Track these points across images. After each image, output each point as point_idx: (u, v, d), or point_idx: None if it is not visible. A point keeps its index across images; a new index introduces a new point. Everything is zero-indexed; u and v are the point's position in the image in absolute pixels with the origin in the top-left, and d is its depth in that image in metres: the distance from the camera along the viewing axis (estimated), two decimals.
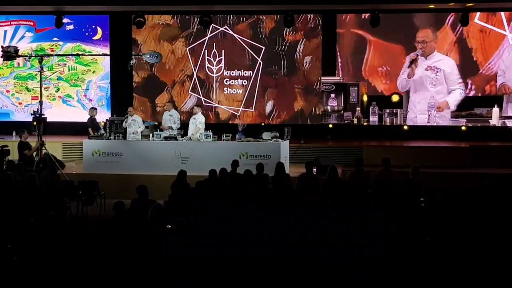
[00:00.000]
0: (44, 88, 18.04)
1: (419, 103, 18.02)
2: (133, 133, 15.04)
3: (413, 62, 17.93)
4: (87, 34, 19.29)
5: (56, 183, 12.36)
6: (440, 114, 17.83)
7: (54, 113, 18.43)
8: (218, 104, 18.68)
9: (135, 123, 15.22)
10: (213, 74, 18.69)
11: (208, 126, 15.62)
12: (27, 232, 8.39)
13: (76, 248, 7.38)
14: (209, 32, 18.48)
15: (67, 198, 11.82)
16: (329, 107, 18.39)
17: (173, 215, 9.37)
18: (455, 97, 17.90)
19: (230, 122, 18.36)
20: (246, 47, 18.55)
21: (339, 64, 18.45)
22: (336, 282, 6.90)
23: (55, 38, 19.37)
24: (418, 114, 18.02)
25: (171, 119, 15.86)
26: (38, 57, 15.80)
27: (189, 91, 18.74)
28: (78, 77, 19.46)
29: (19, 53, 15.92)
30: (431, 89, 17.96)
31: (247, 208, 9.68)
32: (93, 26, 19.26)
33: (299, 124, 18.07)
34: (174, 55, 18.87)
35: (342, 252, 7.13)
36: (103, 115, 18.34)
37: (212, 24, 18.07)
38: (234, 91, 18.69)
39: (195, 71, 18.75)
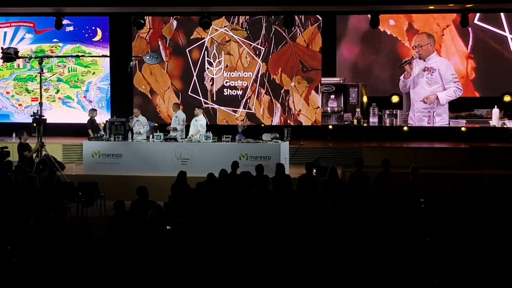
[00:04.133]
0: (44, 90, 18.03)
1: (416, 101, 18.29)
2: (136, 133, 15.27)
3: (405, 63, 18.19)
4: (87, 35, 19.31)
5: (56, 184, 12.34)
6: (437, 115, 17.96)
7: (54, 115, 18.45)
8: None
9: (139, 124, 15.50)
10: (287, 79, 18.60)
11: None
12: (27, 233, 8.37)
13: (76, 249, 7.37)
14: (272, 34, 18.48)
15: (67, 200, 11.82)
16: (329, 108, 18.38)
17: (173, 216, 9.36)
18: (448, 93, 18.05)
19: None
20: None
21: None
22: (336, 282, 6.90)
23: (55, 40, 19.39)
24: (416, 112, 18.20)
25: (176, 120, 16.04)
26: (38, 59, 15.79)
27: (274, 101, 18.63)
28: (78, 79, 19.47)
29: (19, 54, 15.89)
30: (427, 88, 18.21)
31: (247, 209, 9.67)
32: (93, 28, 19.28)
33: (299, 125, 18.05)
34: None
35: (342, 253, 7.13)
36: (103, 117, 18.35)
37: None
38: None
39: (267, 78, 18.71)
